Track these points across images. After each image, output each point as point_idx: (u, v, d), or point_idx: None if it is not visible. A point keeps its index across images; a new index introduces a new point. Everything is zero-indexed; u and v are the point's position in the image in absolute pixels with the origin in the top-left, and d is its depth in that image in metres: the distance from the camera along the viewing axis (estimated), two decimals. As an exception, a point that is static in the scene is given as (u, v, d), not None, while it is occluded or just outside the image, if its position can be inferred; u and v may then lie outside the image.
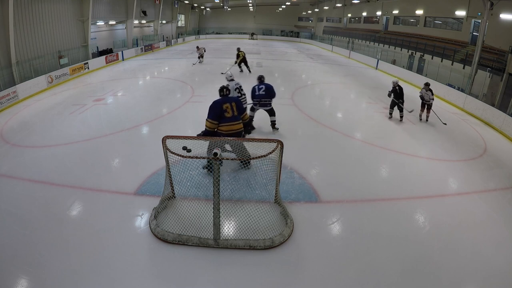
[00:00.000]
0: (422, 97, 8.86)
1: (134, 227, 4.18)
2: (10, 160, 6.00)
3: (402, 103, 8.80)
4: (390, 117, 9.24)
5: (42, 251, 3.68)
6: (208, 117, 5.05)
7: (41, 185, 5.11)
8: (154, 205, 4.43)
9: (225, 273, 3.52)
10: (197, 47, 18.62)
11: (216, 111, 5.00)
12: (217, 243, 3.82)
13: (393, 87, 8.82)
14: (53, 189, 5.01)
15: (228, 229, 4.11)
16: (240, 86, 6.98)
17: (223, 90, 5.29)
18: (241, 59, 14.61)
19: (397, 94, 8.76)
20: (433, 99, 8.80)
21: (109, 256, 3.65)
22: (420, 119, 9.08)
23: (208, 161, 4.91)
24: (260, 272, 3.53)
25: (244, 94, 7.03)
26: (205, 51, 18.47)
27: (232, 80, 7.00)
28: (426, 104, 8.86)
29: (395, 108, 8.94)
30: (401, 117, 9.05)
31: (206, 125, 5.07)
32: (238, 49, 15.00)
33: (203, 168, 5.33)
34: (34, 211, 4.43)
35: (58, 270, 3.44)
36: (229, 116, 5.04)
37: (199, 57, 18.10)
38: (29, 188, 5.03)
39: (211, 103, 5.19)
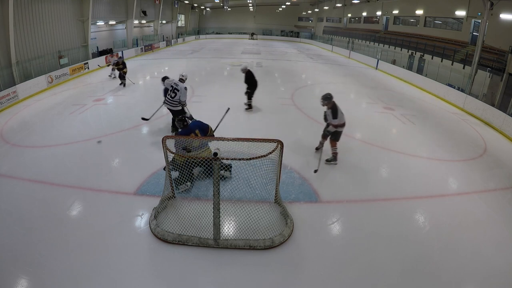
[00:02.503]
0: (325, 118, 6.00)
1: (134, 227, 4.18)
2: (10, 160, 6.00)
3: (248, 90, 8.89)
4: (249, 108, 9.13)
5: (42, 251, 3.68)
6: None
7: (41, 185, 5.11)
8: (154, 205, 4.43)
9: (225, 273, 3.52)
10: (111, 54, 14.43)
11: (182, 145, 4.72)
12: (217, 243, 3.82)
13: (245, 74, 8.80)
14: (53, 189, 5.01)
15: (228, 229, 4.11)
16: (176, 87, 6.88)
17: (182, 121, 5.04)
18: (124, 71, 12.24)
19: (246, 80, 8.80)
20: (337, 126, 5.70)
21: (109, 256, 3.65)
22: (316, 149, 6.47)
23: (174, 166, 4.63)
24: (260, 272, 3.53)
25: (175, 96, 6.89)
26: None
27: (182, 81, 7.12)
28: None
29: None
30: (248, 105, 9.03)
31: (174, 158, 4.58)
32: (121, 58, 13.02)
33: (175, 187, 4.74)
34: (34, 211, 4.43)
35: (58, 270, 3.44)
36: (196, 146, 4.81)
37: (112, 69, 13.44)
38: (29, 188, 5.03)
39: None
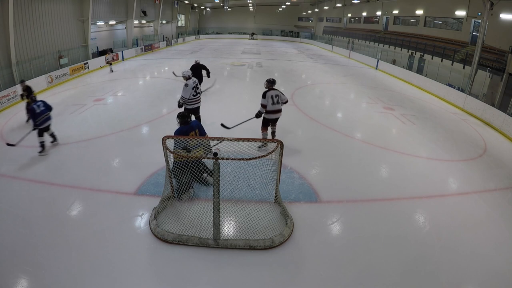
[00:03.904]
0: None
1: (134, 227, 4.18)
2: (10, 160, 6.00)
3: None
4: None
5: (42, 251, 3.68)
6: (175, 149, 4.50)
7: (41, 185, 5.11)
8: (154, 205, 4.43)
9: (225, 273, 3.52)
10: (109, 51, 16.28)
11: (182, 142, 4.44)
12: (217, 243, 3.82)
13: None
14: (53, 189, 5.01)
15: (228, 229, 4.11)
16: (197, 84, 6.95)
17: (186, 117, 4.83)
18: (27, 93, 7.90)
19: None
20: (265, 108, 6.07)
21: (109, 256, 3.65)
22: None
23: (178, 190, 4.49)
24: (260, 272, 3.53)
25: (199, 94, 7.01)
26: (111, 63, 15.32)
27: (190, 78, 6.91)
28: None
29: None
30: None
31: (174, 158, 4.50)
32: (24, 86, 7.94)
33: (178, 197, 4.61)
34: (34, 211, 4.43)
35: (58, 270, 3.44)
36: (193, 144, 4.63)
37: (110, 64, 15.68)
38: (29, 188, 5.03)
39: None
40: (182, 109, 6.91)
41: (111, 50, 16.86)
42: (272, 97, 6.09)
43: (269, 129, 6.54)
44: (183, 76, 7.00)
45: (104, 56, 16.21)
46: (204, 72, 10.51)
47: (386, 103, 10.94)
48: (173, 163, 4.24)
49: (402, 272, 3.60)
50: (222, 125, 6.56)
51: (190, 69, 9.94)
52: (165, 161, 4.12)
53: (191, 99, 6.79)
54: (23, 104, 9.89)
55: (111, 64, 15.83)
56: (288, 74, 15.90)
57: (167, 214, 4.29)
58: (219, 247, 3.81)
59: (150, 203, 4.58)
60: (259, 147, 6.06)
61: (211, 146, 4.83)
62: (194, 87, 6.80)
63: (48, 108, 6.42)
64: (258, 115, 6.24)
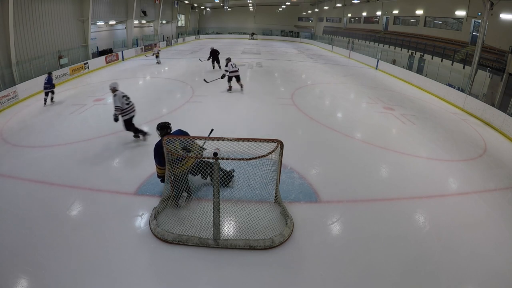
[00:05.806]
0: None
1: (134, 227, 4.18)
2: (10, 160, 6.00)
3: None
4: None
5: (42, 251, 3.69)
6: (156, 163, 4.58)
7: (41, 185, 5.11)
8: (154, 205, 4.43)
9: (225, 273, 3.52)
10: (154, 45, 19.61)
11: (163, 155, 4.21)
12: (217, 243, 3.82)
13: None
14: (53, 189, 5.01)
15: (228, 229, 4.11)
16: (126, 95, 6.62)
17: (166, 128, 4.72)
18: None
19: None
20: (227, 72, 10.80)
21: (109, 256, 3.65)
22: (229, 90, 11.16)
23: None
24: (260, 272, 3.53)
25: (132, 102, 6.66)
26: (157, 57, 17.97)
27: (117, 90, 6.47)
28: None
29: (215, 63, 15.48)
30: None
31: (157, 172, 4.72)
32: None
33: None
34: (34, 211, 4.43)
35: (58, 270, 3.44)
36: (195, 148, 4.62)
37: (156, 56, 18.04)
38: (29, 188, 5.03)
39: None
40: (122, 122, 6.64)
41: (155, 45, 20.08)
42: (231, 64, 10.75)
43: (238, 86, 11.19)
44: (110, 89, 6.53)
45: (154, 48, 19.41)
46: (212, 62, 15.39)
47: (386, 103, 10.94)
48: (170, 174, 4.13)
49: (402, 272, 3.61)
50: (204, 80, 11.83)
51: (210, 53, 15.50)
52: (166, 161, 4.11)
53: (125, 108, 6.46)
54: (23, 104, 9.92)
55: (157, 56, 17.95)
56: (288, 74, 15.89)
57: (167, 214, 4.29)
58: (219, 247, 3.81)
59: (150, 203, 4.58)
60: (222, 77, 11.13)
61: (201, 145, 4.82)
62: (123, 96, 6.43)
63: (49, 83, 9.63)
64: (223, 76, 11.00)
